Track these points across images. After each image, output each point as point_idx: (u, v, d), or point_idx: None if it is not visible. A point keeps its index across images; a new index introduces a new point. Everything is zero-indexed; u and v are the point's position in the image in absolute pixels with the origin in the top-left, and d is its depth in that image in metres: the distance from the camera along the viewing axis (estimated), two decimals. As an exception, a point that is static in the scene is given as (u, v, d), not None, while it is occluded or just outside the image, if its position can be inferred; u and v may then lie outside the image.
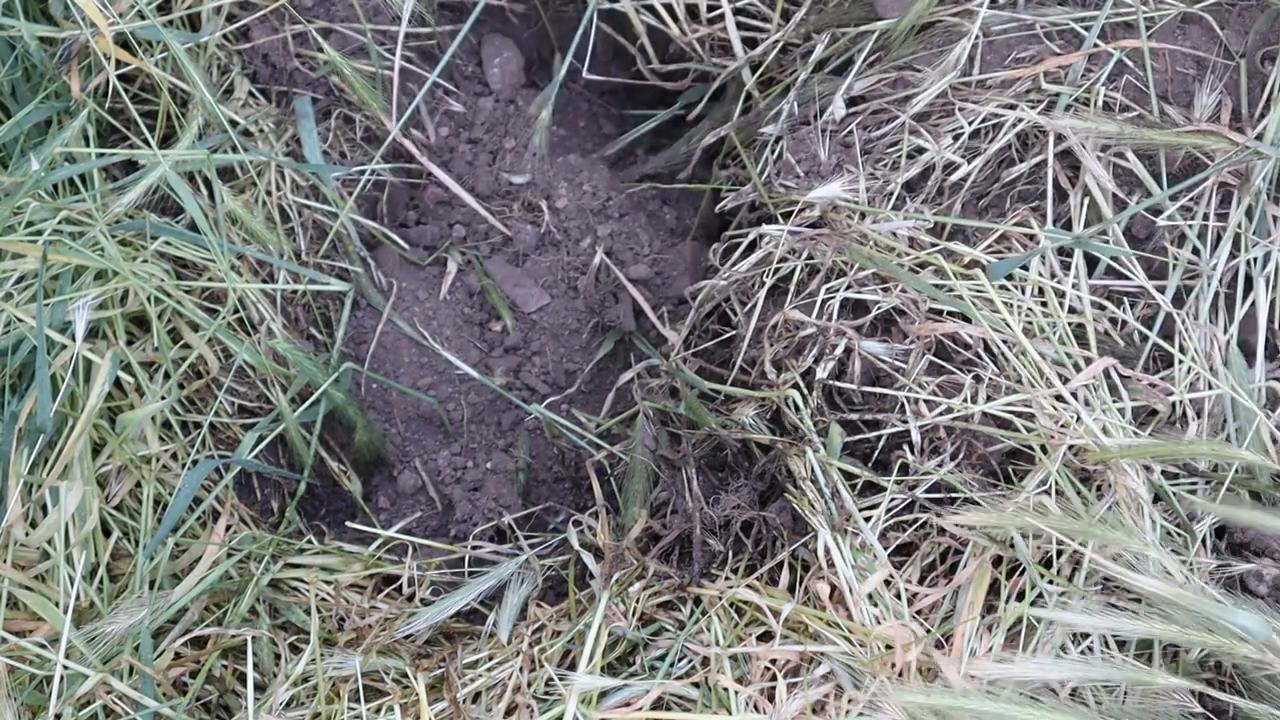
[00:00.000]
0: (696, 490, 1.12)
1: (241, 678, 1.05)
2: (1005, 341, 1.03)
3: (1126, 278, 1.09)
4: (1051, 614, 0.90)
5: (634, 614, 1.03)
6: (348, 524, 1.21)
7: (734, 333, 1.21)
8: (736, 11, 1.29)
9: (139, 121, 1.13)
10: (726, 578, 1.05)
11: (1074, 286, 1.07)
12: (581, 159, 1.39)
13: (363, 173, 1.28)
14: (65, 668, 0.95)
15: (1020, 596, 0.96)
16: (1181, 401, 1.04)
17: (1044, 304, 1.06)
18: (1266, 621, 0.86)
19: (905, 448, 1.05)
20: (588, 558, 1.11)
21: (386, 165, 1.31)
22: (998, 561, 0.99)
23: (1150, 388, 1.04)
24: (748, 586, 1.02)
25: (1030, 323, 1.05)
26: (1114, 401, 1.01)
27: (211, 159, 1.15)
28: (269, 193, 1.22)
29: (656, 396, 1.24)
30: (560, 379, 1.33)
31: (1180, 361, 1.05)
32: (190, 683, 1.03)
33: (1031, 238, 1.09)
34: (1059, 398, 1.00)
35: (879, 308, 1.09)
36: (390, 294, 1.29)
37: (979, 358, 1.05)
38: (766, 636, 0.98)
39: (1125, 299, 1.09)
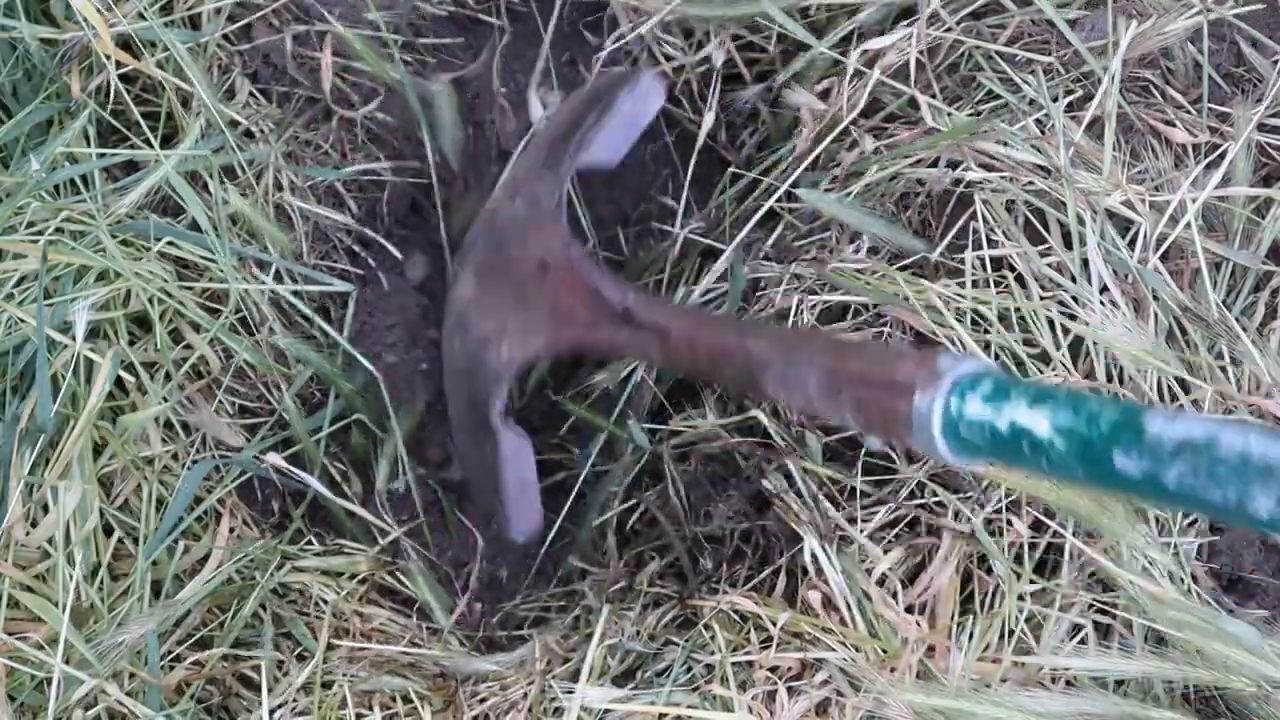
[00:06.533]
0: (676, 504, 1.12)
1: (243, 681, 1.05)
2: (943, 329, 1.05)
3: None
4: (1043, 660, 0.91)
5: (636, 628, 1.03)
6: (348, 525, 1.21)
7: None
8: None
9: (140, 122, 1.13)
10: (725, 591, 1.06)
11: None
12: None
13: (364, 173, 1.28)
14: (65, 672, 0.95)
15: (1022, 597, 0.97)
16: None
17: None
18: (1260, 634, 0.86)
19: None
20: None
21: (388, 165, 1.31)
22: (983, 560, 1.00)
23: None
24: (744, 596, 1.02)
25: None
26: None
27: (215, 160, 1.15)
28: (269, 193, 1.22)
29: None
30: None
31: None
32: (192, 686, 1.03)
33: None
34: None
35: (862, 312, 1.11)
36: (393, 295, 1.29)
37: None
38: (768, 643, 0.99)
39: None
